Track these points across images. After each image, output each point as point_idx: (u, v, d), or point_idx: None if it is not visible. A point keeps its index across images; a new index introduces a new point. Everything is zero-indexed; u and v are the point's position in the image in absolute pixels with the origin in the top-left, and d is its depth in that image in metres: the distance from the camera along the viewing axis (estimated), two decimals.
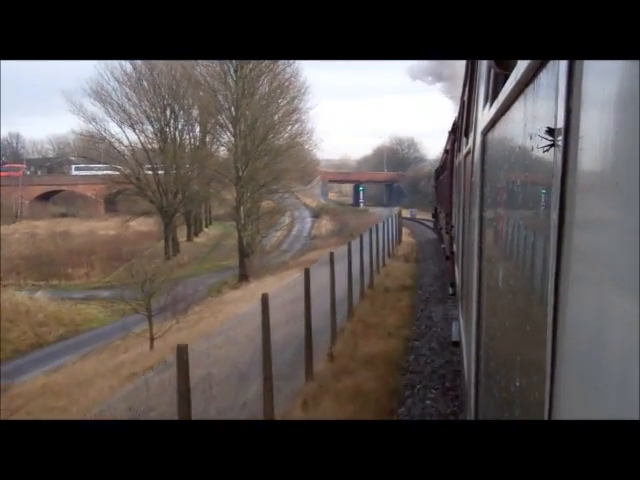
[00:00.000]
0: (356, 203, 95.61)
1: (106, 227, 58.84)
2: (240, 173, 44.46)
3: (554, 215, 1.26)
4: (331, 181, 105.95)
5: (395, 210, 48.31)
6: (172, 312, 27.88)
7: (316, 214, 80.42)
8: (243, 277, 41.85)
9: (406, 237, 36.41)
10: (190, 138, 59.93)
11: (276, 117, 49.65)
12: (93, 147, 60.44)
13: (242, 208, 44.91)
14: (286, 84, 49.62)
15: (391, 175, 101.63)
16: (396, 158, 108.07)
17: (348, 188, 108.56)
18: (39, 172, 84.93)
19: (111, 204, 69.79)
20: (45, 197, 78.38)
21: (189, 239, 64.44)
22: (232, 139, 46.77)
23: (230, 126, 46.40)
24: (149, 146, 57.37)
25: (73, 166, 64.75)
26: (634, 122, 0.82)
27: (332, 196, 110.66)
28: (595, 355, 0.98)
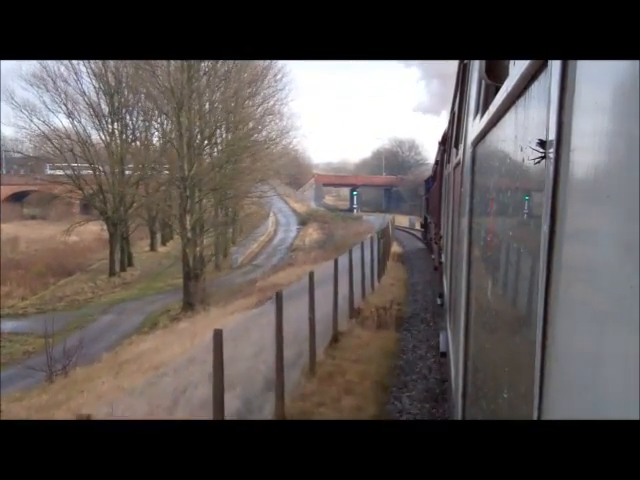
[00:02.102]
0: (350, 209, 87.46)
1: (73, 232, 47.75)
2: (185, 173, 33.85)
3: (545, 227, 1.26)
4: (325, 184, 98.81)
5: (391, 217, 42.51)
6: (55, 368, 18.85)
7: (304, 221, 72.32)
8: (188, 306, 32.09)
9: (394, 263, 26.91)
10: (134, 131, 47.75)
11: (234, 104, 38.91)
12: (27, 140, 50.54)
13: (188, 217, 34.27)
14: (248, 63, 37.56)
15: (390, 179, 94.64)
16: (396, 161, 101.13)
17: (347, 192, 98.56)
18: (22, 171, 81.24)
19: (88, 206, 58.45)
20: (17, 198, 71.37)
21: (152, 249, 54.68)
22: (177, 129, 35.27)
23: (175, 112, 34.48)
24: (89, 140, 46.62)
25: (48, 165, 54.23)
26: (626, 135, 0.83)
27: (330, 200, 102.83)
28: (585, 368, 0.98)
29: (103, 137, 46.97)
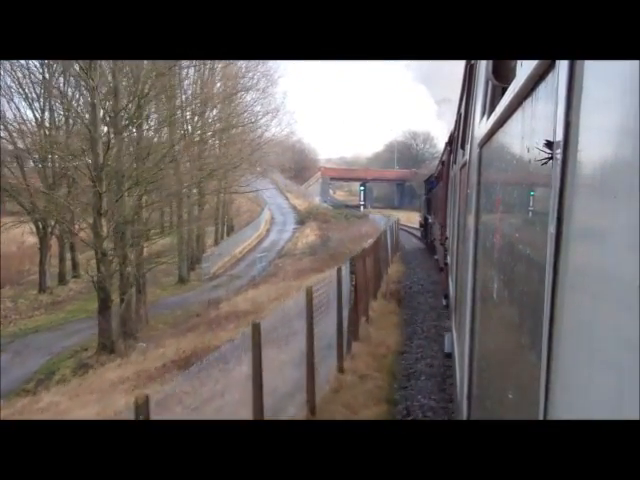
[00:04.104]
0: (358, 205, 78.29)
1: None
2: (100, 160, 22.94)
3: (551, 228, 1.26)
4: (333, 178, 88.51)
5: (395, 219, 36.85)
6: None
7: (302, 220, 61.89)
8: (104, 348, 22.52)
9: (384, 304, 15.48)
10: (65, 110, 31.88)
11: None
12: None
13: (104, 220, 23.23)
14: None
15: (402, 173, 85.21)
16: (409, 154, 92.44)
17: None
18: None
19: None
20: None
21: None
22: (90, 99, 23.73)
23: (83, 73, 23.09)
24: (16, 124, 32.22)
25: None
26: (634, 136, 0.82)
27: (340, 195, 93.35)
28: (591, 369, 0.97)
29: (33, 117, 33.94)
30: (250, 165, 40.60)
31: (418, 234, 41.02)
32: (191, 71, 33.39)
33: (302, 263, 34.59)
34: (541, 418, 1.28)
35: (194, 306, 28.73)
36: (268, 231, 58.27)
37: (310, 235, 51.55)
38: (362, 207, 76.68)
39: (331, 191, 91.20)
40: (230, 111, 35.46)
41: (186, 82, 33.64)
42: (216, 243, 48.44)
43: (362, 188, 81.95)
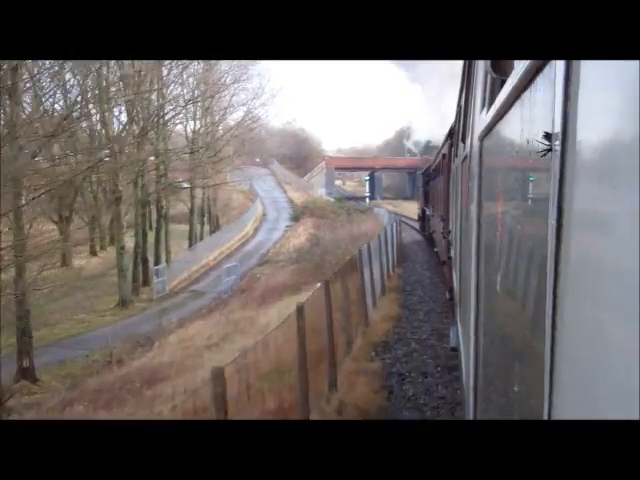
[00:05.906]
0: (364, 197, 71.16)
1: None
2: None
3: (552, 220, 1.26)
4: (338, 169, 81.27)
5: (393, 223, 27.56)
6: None
7: (298, 216, 53.96)
8: None
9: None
10: None
11: None
12: None
13: None
14: None
15: (414, 161, 76.16)
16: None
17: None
18: None
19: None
20: None
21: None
22: None
23: None
24: None
25: None
26: (632, 126, 0.82)
27: (350, 186, 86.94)
28: (594, 361, 0.97)
29: None
30: (224, 156, 34.30)
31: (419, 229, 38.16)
32: None
33: (280, 276, 28.49)
34: (545, 413, 1.28)
35: (122, 343, 20.81)
36: (256, 230, 49.86)
37: (302, 235, 43.97)
38: (367, 199, 69.70)
39: (340, 182, 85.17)
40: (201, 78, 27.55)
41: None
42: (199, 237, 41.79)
43: (367, 178, 74.95)
